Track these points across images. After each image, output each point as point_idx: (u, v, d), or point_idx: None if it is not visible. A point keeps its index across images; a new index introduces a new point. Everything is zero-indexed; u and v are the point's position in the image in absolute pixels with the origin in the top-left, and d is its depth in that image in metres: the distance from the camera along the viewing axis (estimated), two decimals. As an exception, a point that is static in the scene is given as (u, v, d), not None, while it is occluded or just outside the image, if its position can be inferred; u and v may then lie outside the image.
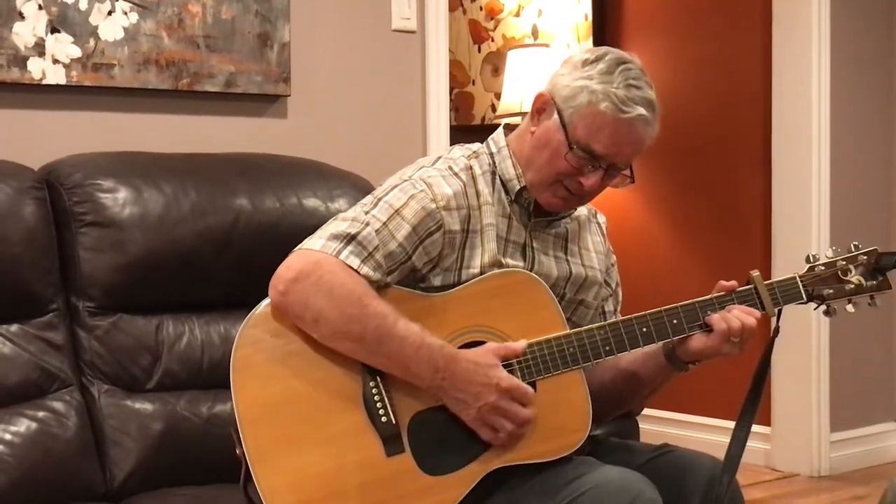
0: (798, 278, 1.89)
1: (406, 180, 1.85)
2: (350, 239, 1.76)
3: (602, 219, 2.09)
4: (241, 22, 2.83)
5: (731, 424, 1.90)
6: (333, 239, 1.77)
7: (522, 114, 4.28)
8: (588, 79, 1.83)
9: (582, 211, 2.02)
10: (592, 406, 1.80)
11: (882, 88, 4.28)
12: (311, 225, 2.13)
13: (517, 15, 4.85)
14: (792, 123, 4.09)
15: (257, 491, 1.70)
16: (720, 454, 1.88)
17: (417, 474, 1.74)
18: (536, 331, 1.80)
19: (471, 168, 1.90)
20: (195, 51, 2.76)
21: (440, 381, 1.72)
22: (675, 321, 1.84)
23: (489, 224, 1.87)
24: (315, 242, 1.78)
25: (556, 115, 1.85)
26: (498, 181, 1.91)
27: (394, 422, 1.74)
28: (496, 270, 1.84)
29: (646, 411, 2.30)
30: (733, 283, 1.87)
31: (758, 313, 1.84)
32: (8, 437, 2.05)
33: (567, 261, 1.96)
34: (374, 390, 1.75)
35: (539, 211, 1.92)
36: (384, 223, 1.79)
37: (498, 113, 4.67)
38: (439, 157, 1.92)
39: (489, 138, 1.98)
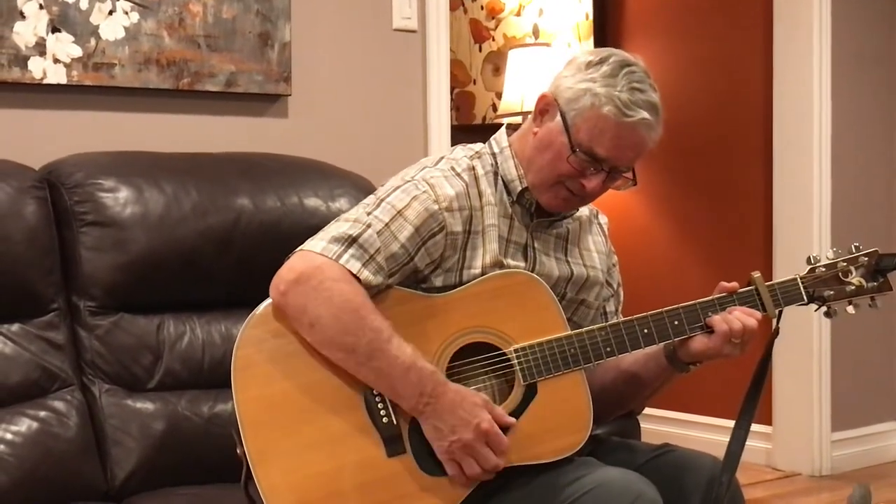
0: (799, 279, 1.89)
1: (409, 181, 1.85)
2: (352, 241, 1.76)
3: (604, 219, 2.09)
4: (242, 21, 2.83)
5: (732, 424, 1.90)
6: (335, 241, 1.77)
7: (523, 113, 4.28)
8: (591, 81, 1.82)
9: (584, 211, 2.02)
10: (593, 407, 1.80)
11: (883, 87, 4.28)
12: (312, 224, 2.14)
13: (518, 14, 4.84)
14: (793, 123, 4.09)
15: (258, 491, 1.70)
16: (721, 453, 1.88)
17: (418, 475, 1.74)
18: (537, 331, 1.80)
19: (473, 168, 1.90)
20: (196, 50, 2.76)
21: (423, 406, 1.71)
22: (676, 322, 1.84)
23: (491, 225, 1.87)
24: (317, 244, 1.78)
25: (559, 117, 1.85)
26: (500, 182, 1.91)
27: (395, 422, 1.74)
28: (497, 271, 1.84)
29: (647, 410, 2.30)
30: (734, 284, 1.87)
31: (759, 314, 1.84)
32: (9, 436, 2.05)
33: (568, 261, 1.96)
34: (374, 391, 1.75)
35: (541, 211, 1.92)
36: (386, 224, 1.79)
37: (499, 112, 4.67)
38: (442, 158, 1.92)
39: (492, 138, 1.97)
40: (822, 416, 4.08)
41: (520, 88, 4.44)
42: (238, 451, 1.74)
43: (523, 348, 1.79)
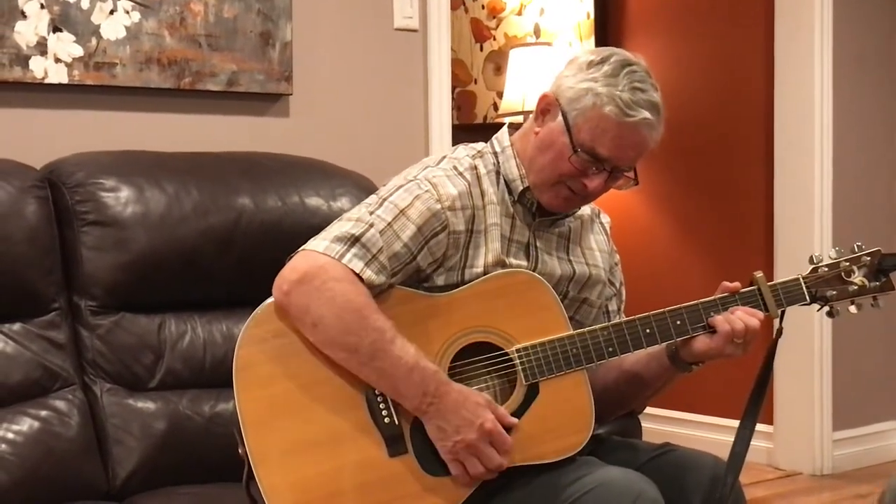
0: (801, 280, 1.89)
1: (411, 180, 1.85)
2: (354, 241, 1.76)
3: (606, 219, 2.09)
4: (244, 21, 2.83)
5: (734, 423, 1.90)
6: (337, 241, 1.77)
7: (524, 113, 4.28)
8: (593, 81, 1.82)
9: (585, 210, 2.02)
10: (595, 406, 1.80)
11: (884, 87, 4.27)
12: (313, 224, 2.14)
13: (519, 13, 4.84)
14: (794, 123, 4.08)
15: (259, 490, 1.70)
16: (723, 453, 1.88)
17: (420, 475, 1.74)
18: (540, 331, 1.80)
19: (475, 168, 1.90)
20: (197, 50, 2.76)
21: (426, 406, 1.71)
22: (678, 322, 1.84)
23: (493, 224, 1.86)
24: (319, 244, 1.78)
25: (560, 117, 1.85)
26: (502, 181, 1.91)
27: (396, 422, 1.74)
28: (499, 271, 1.84)
29: (649, 410, 2.30)
30: (737, 284, 1.87)
31: (761, 314, 1.84)
32: (10, 435, 2.05)
33: (570, 260, 1.96)
34: (376, 391, 1.75)
35: (542, 210, 1.92)
36: (389, 223, 1.79)
37: (500, 112, 4.66)
38: (444, 157, 1.92)
39: (493, 137, 1.97)
40: (824, 415, 4.08)
41: (521, 88, 4.44)
42: (239, 451, 1.74)
43: (525, 348, 1.79)
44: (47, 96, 2.61)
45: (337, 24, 3.07)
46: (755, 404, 1.89)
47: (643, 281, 3.90)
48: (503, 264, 1.85)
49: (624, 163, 1.85)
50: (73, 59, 2.59)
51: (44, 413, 2.10)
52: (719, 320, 1.82)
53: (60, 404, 2.13)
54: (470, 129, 4.64)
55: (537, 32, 4.80)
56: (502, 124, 2.01)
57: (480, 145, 1.96)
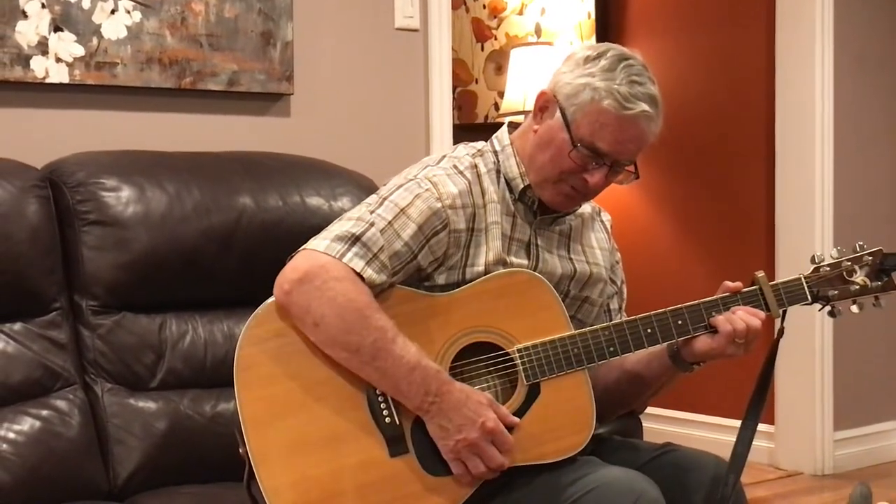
0: (803, 279, 1.89)
1: (411, 179, 1.85)
2: (355, 240, 1.76)
3: (607, 217, 2.09)
4: (244, 20, 2.83)
5: (736, 423, 1.90)
6: (338, 240, 1.77)
7: (526, 112, 4.27)
8: (590, 76, 1.82)
9: (586, 208, 2.02)
10: (596, 406, 1.80)
11: (885, 87, 4.27)
12: (314, 223, 2.14)
13: (520, 13, 4.84)
14: (795, 122, 4.08)
15: (260, 490, 1.70)
16: (724, 453, 1.88)
17: (421, 475, 1.74)
18: (540, 331, 1.80)
19: (476, 166, 1.90)
20: (198, 49, 2.76)
21: (428, 405, 1.71)
22: (679, 322, 1.84)
23: (494, 222, 1.86)
24: (320, 243, 1.78)
25: (558, 114, 1.85)
26: (502, 179, 1.91)
27: (397, 422, 1.74)
28: (500, 270, 1.84)
29: (650, 410, 2.30)
30: (738, 284, 1.87)
31: (762, 314, 1.84)
32: (12, 435, 2.05)
33: (571, 258, 1.96)
34: (377, 390, 1.74)
35: (543, 208, 1.92)
36: (389, 222, 1.79)
37: (501, 111, 4.66)
38: (444, 156, 1.92)
39: (493, 136, 1.97)
40: (825, 415, 4.08)
41: (522, 87, 4.44)
42: (240, 451, 1.74)
43: (526, 348, 1.79)
44: (48, 96, 2.61)
45: (338, 24, 3.07)
46: (757, 404, 1.89)
47: (644, 281, 3.90)
48: (504, 263, 1.85)
49: (624, 156, 1.85)
50: (75, 58, 2.59)
51: (45, 413, 2.10)
52: (721, 320, 1.82)
53: (61, 404, 2.13)
54: (471, 128, 4.64)
55: (538, 32, 4.80)
56: (503, 124, 2.01)
57: (480, 144, 1.96)
